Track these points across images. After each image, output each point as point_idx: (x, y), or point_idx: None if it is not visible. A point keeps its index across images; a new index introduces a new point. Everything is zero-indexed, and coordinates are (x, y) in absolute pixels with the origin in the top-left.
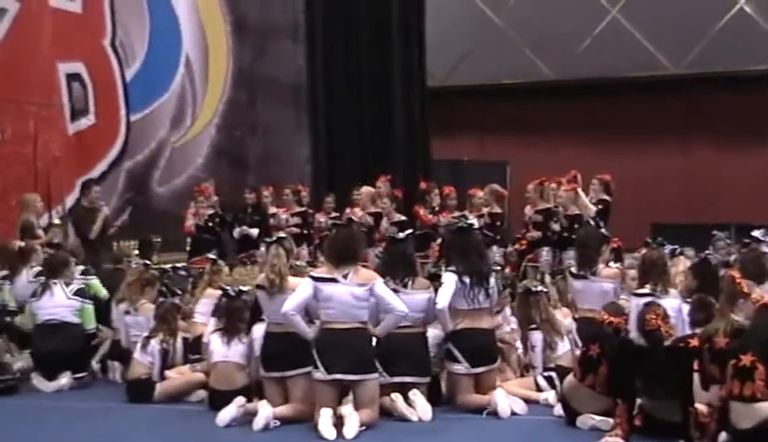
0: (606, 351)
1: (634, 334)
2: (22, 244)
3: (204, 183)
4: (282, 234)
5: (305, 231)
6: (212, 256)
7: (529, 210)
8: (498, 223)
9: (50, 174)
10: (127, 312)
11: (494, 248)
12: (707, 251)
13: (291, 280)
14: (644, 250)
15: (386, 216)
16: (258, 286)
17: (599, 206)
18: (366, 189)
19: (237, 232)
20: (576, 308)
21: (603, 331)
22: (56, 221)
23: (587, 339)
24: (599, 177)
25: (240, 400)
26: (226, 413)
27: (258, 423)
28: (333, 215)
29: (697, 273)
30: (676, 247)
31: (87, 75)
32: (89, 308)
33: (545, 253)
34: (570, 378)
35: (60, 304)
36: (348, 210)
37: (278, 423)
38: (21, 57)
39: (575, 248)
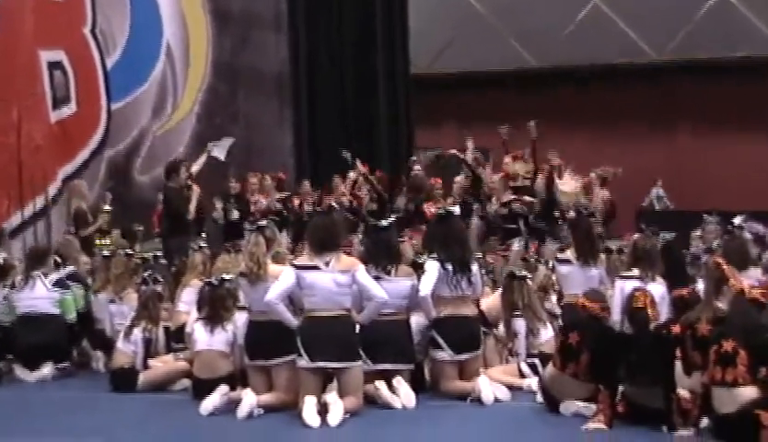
0: (586, 338)
1: (616, 318)
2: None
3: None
4: (263, 222)
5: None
6: (203, 244)
7: (495, 203)
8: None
9: (33, 163)
10: (112, 301)
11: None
12: (670, 236)
13: (273, 268)
14: (636, 235)
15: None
16: (241, 274)
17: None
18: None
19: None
20: (562, 294)
21: (582, 318)
22: (106, 207)
23: (566, 327)
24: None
25: (224, 388)
26: (210, 402)
27: (242, 411)
28: (310, 199)
29: (662, 258)
30: (659, 233)
31: (69, 63)
32: (70, 298)
33: (516, 244)
34: (550, 368)
35: (40, 295)
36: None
37: (262, 411)
38: (4, 46)
39: (577, 237)
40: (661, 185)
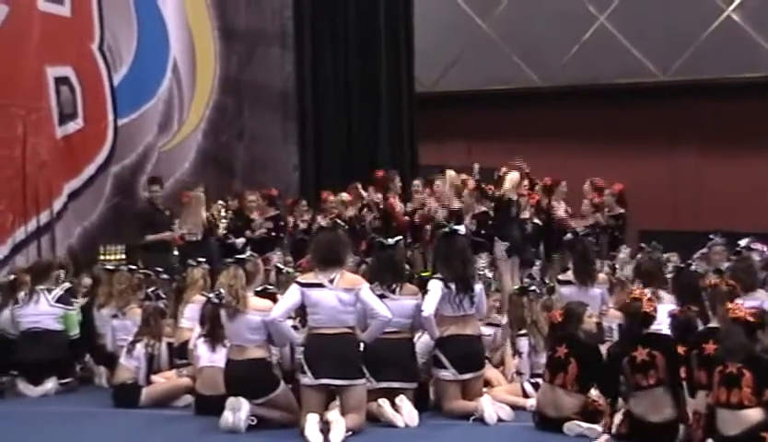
0: (574, 350)
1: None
2: None
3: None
4: (244, 256)
5: (275, 234)
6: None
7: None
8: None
9: (38, 178)
10: (114, 316)
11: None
12: (696, 256)
13: (254, 301)
14: (639, 255)
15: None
16: (222, 305)
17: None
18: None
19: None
20: None
21: (569, 332)
22: (224, 213)
23: (554, 341)
24: (610, 189)
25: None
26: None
27: (237, 419)
28: (305, 218)
29: (675, 283)
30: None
31: (76, 79)
32: (73, 314)
33: (483, 260)
34: (541, 388)
35: (43, 312)
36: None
37: (254, 420)
38: (10, 60)
39: (574, 260)
40: None
